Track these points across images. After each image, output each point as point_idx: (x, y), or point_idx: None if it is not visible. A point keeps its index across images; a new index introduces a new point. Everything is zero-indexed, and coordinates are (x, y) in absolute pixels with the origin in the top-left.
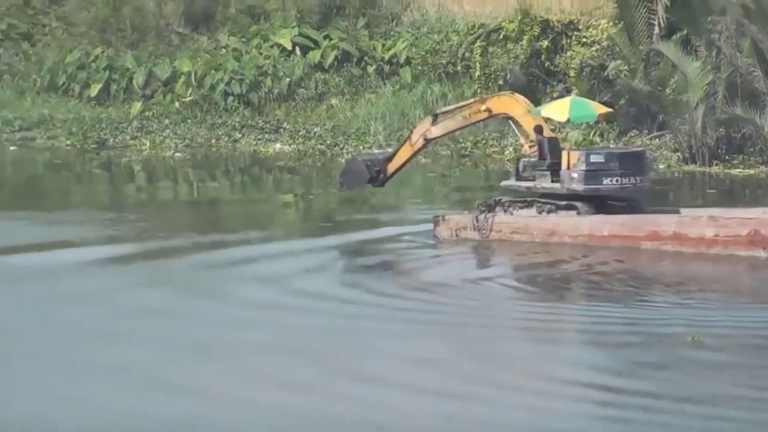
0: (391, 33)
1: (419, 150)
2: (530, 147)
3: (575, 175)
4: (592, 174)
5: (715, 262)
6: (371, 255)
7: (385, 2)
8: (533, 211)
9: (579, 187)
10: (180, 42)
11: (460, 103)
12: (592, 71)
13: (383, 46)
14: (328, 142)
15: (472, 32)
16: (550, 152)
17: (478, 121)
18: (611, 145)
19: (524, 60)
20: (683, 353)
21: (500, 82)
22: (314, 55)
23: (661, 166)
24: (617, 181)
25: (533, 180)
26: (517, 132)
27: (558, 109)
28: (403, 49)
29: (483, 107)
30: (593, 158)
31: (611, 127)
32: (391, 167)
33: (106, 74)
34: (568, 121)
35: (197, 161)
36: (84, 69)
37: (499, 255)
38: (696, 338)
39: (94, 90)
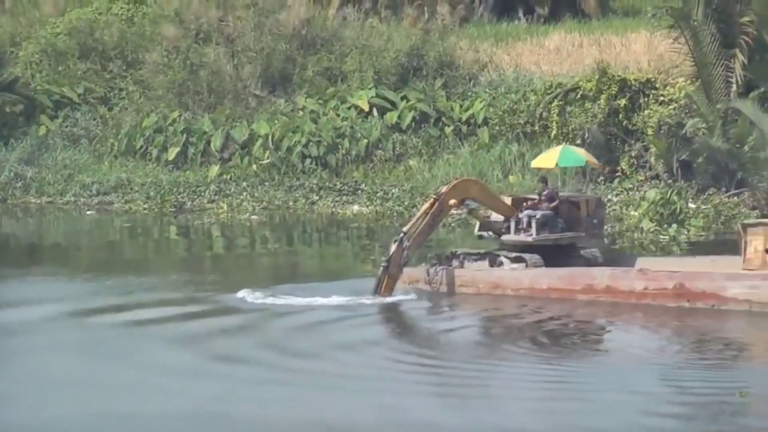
0: (469, 93)
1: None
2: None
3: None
4: (543, 224)
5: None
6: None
7: (462, 63)
8: (486, 263)
9: (528, 238)
10: (257, 104)
11: (417, 214)
12: (670, 129)
13: (461, 106)
14: (406, 203)
15: (549, 91)
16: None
17: (443, 218)
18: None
19: (602, 119)
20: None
21: (578, 141)
22: (392, 117)
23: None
24: (569, 230)
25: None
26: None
27: (547, 159)
28: (481, 109)
29: (449, 202)
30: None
31: (689, 185)
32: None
33: (184, 138)
34: (556, 166)
35: (274, 224)
36: (161, 132)
37: (431, 313)
38: (743, 393)
39: (172, 153)
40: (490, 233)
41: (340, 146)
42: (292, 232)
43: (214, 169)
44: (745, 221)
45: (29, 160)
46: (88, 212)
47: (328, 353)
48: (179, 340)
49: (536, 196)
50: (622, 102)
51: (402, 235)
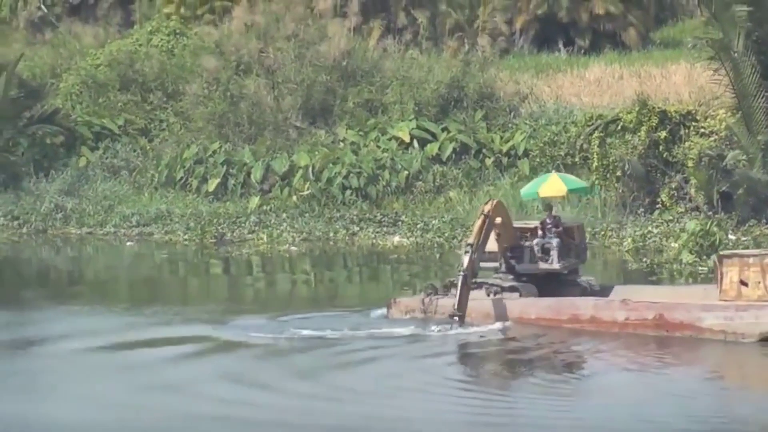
0: (509, 125)
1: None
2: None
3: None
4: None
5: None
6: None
7: (502, 94)
8: (482, 293)
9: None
10: (298, 136)
11: (474, 230)
12: (710, 161)
13: (501, 138)
14: (446, 234)
15: (589, 123)
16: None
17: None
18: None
19: (642, 150)
20: None
21: (618, 173)
22: (432, 148)
23: None
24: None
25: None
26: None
27: (554, 187)
28: (521, 140)
29: (488, 224)
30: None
31: (729, 217)
32: (463, 312)
33: (224, 169)
34: (568, 192)
35: (314, 255)
36: (202, 164)
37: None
38: None
39: (212, 185)
40: (488, 263)
41: (380, 177)
42: (332, 263)
43: (255, 201)
44: (721, 252)
45: (69, 191)
46: (128, 243)
47: None
48: (222, 372)
49: (537, 224)
50: (663, 134)
51: (469, 246)
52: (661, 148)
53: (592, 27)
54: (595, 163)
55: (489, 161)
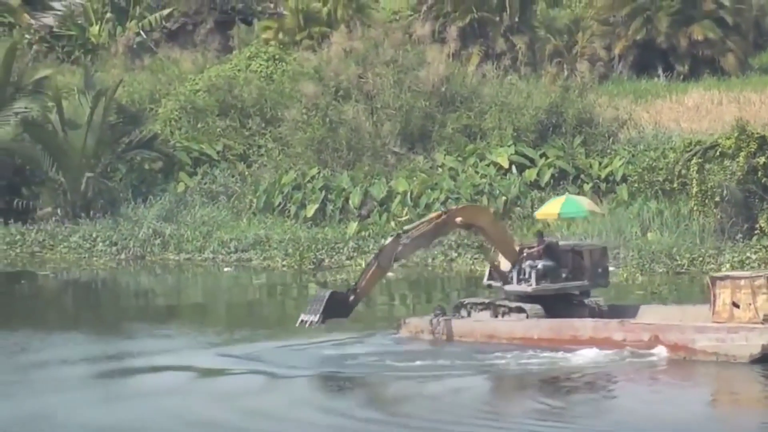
0: (608, 151)
1: (384, 273)
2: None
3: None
4: (543, 275)
5: None
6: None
7: (601, 120)
8: (489, 313)
9: (528, 288)
10: (396, 161)
11: (422, 220)
12: None
13: (600, 163)
14: None
15: (688, 149)
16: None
17: (445, 233)
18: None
19: (741, 176)
20: None
21: (717, 198)
22: (531, 174)
23: None
24: (569, 280)
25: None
26: (485, 241)
27: (551, 209)
28: (620, 166)
29: (446, 219)
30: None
31: None
32: (362, 294)
33: (322, 194)
34: (559, 216)
35: (411, 281)
36: (300, 189)
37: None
38: None
39: (311, 210)
40: (497, 282)
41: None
42: (430, 289)
43: (353, 226)
44: (714, 275)
45: (168, 216)
46: (226, 269)
47: None
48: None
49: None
50: (762, 159)
51: (401, 231)
52: (759, 173)
53: (691, 53)
54: (695, 189)
55: (587, 187)
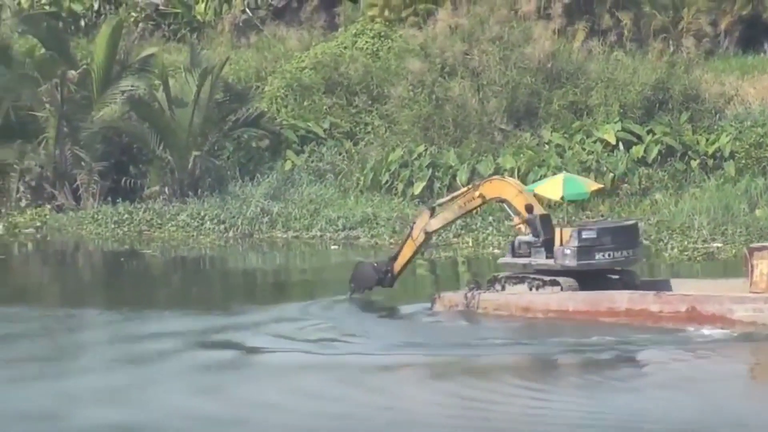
0: (715, 127)
1: (422, 244)
2: (525, 226)
3: (568, 251)
4: (585, 249)
5: None
6: None
7: (707, 96)
8: (525, 287)
9: (572, 262)
10: (503, 138)
11: (454, 193)
12: None
13: (707, 140)
14: (652, 237)
15: None
16: (543, 229)
17: (474, 208)
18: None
19: None
20: None
21: None
22: (638, 150)
23: None
24: (609, 255)
25: (528, 256)
26: (510, 213)
27: (551, 188)
28: (727, 143)
29: (476, 194)
30: (585, 234)
31: None
32: (398, 266)
33: (429, 172)
34: (562, 199)
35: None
36: (407, 167)
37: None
38: None
39: (418, 188)
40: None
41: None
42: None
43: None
44: (751, 245)
45: (275, 194)
46: (333, 247)
47: None
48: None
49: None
50: None
51: (434, 206)
52: None
53: None
54: None
55: (694, 163)
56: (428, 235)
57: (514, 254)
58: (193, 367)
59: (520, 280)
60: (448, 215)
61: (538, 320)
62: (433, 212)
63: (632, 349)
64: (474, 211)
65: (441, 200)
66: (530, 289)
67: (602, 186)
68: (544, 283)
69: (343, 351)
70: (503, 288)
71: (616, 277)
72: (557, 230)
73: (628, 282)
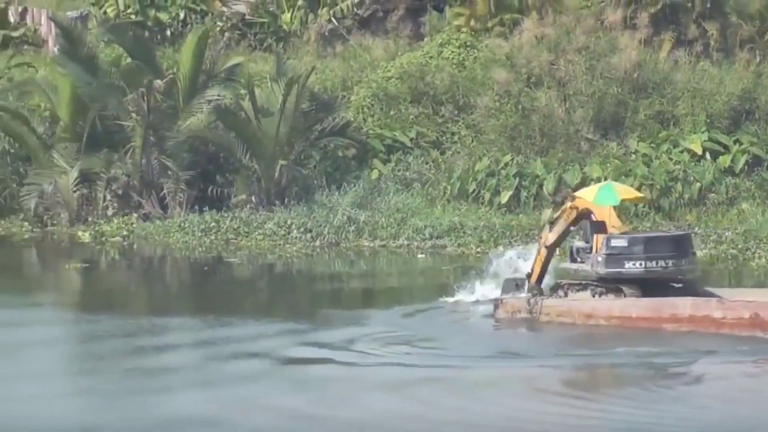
0: None
1: (548, 258)
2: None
3: (599, 258)
4: (613, 258)
5: None
6: None
7: None
8: (588, 293)
9: (601, 270)
10: (589, 148)
11: (562, 209)
12: None
13: None
14: (739, 246)
15: None
16: (593, 236)
17: (573, 222)
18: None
19: None
20: None
21: None
22: (725, 160)
23: None
24: (641, 264)
25: (582, 263)
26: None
27: (589, 193)
28: None
29: (569, 205)
30: (614, 242)
31: None
32: (533, 280)
33: (516, 181)
34: (594, 203)
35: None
36: (493, 176)
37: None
38: None
39: (505, 197)
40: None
41: (673, 190)
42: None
43: (547, 213)
44: None
45: (362, 203)
46: (420, 255)
47: None
48: None
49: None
50: None
51: (550, 222)
52: None
53: None
54: None
55: None
56: (548, 249)
57: (572, 260)
58: (306, 377)
59: (583, 287)
60: (559, 228)
61: (601, 327)
62: (551, 227)
63: (692, 359)
64: (575, 224)
65: (555, 215)
66: (593, 296)
67: (643, 196)
68: (608, 290)
69: (440, 363)
70: (566, 294)
71: (679, 285)
72: (595, 238)
73: (689, 291)
